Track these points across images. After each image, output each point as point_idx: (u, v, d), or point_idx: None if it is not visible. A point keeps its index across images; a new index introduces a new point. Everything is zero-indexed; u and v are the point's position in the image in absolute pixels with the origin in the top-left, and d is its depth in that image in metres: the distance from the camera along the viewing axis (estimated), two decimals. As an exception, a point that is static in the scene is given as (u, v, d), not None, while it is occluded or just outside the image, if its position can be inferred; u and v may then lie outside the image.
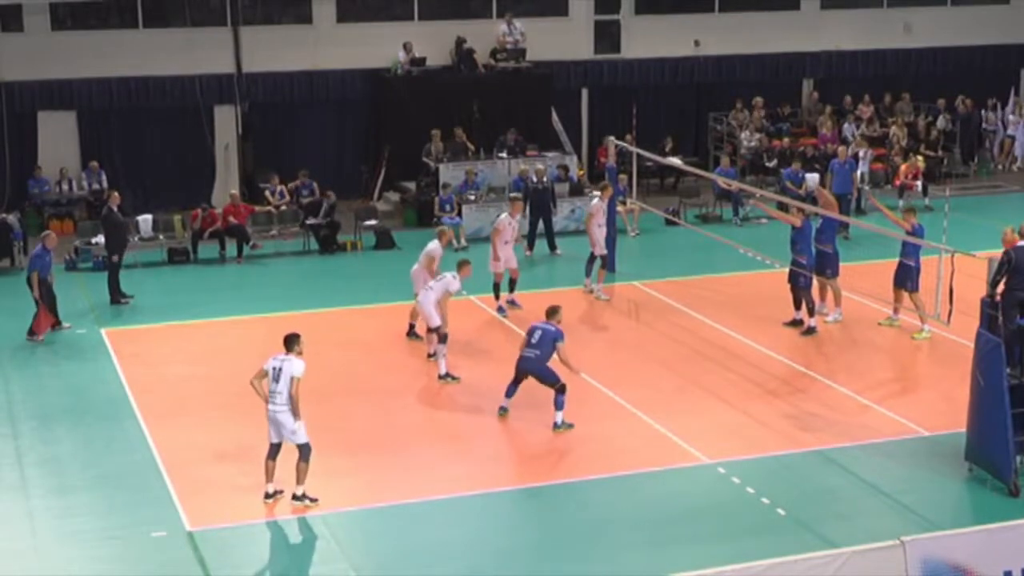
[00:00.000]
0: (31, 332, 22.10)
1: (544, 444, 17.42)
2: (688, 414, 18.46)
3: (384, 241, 28.68)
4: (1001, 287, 16.41)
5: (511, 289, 23.45)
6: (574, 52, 34.67)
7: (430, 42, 32.73)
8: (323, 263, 27.76)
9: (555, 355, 17.90)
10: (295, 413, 15.19)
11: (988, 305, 16.08)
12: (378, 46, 32.41)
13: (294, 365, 15.19)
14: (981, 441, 16.03)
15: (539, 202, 27.99)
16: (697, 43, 35.68)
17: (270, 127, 32.37)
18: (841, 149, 30.97)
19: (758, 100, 35.60)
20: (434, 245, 21.17)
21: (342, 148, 33.08)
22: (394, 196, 32.21)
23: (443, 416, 18.58)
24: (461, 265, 20.41)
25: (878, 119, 36.26)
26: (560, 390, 17.76)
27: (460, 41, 32.82)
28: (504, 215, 23.93)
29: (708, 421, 18.29)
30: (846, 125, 35.62)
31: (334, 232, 28.56)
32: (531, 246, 27.95)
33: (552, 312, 18.18)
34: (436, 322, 19.86)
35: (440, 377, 19.83)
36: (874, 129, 35.75)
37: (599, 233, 24.37)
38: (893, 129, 35.35)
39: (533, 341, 17.88)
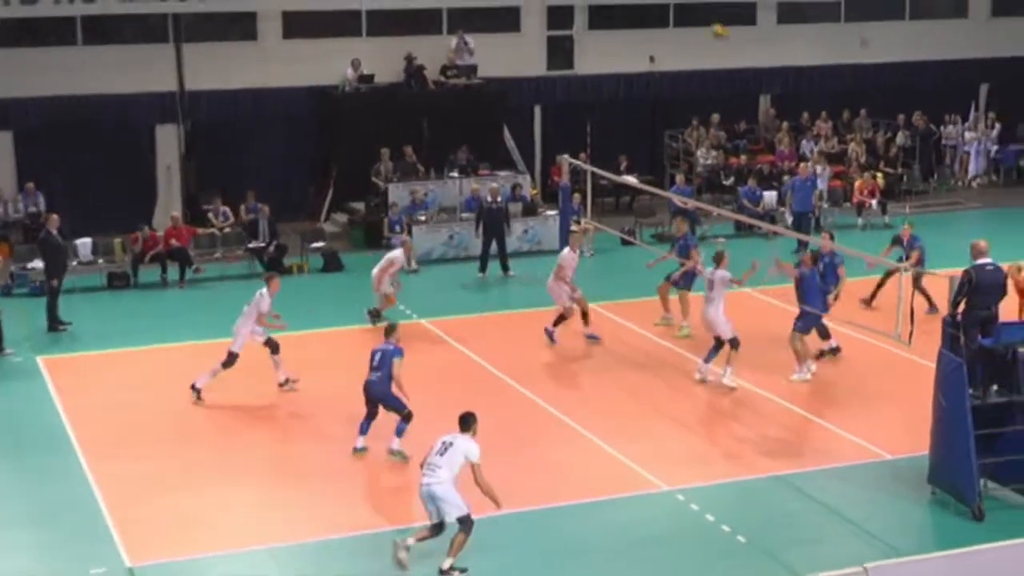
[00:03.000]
0: None
1: (499, 472, 17.26)
2: (646, 440, 18.38)
3: (332, 263, 28.54)
4: (962, 306, 16.44)
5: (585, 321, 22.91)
6: (526, 68, 34.69)
7: (379, 58, 32.66)
8: (269, 287, 27.52)
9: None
10: (494, 500, 14.40)
11: (950, 324, 16.15)
12: (325, 63, 32.29)
13: (471, 448, 14.37)
14: (944, 464, 16.05)
15: (492, 222, 27.89)
16: (652, 59, 35.79)
17: (214, 146, 32.15)
18: (802, 166, 31.01)
19: (714, 117, 35.72)
20: (396, 253, 23.43)
21: (289, 168, 32.88)
22: (342, 217, 32.07)
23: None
24: (269, 279, 20.88)
25: (836, 135, 36.45)
26: (406, 418, 17.45)
27: (410, 58, 32.77)
28: (566, 250, 23.20)
29: (667, 447, 18.23)
30: (804, 142, 35.77)
31: (280, 255, 28.37)
32: (484, 268, 27.85)
33: (390, 330, 17.70)
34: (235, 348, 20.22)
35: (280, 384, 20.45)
36: (832, 146, 35.93)
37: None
38: (851, 146, 35.53)
39: (374, 364, 17.38)
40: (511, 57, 34.27)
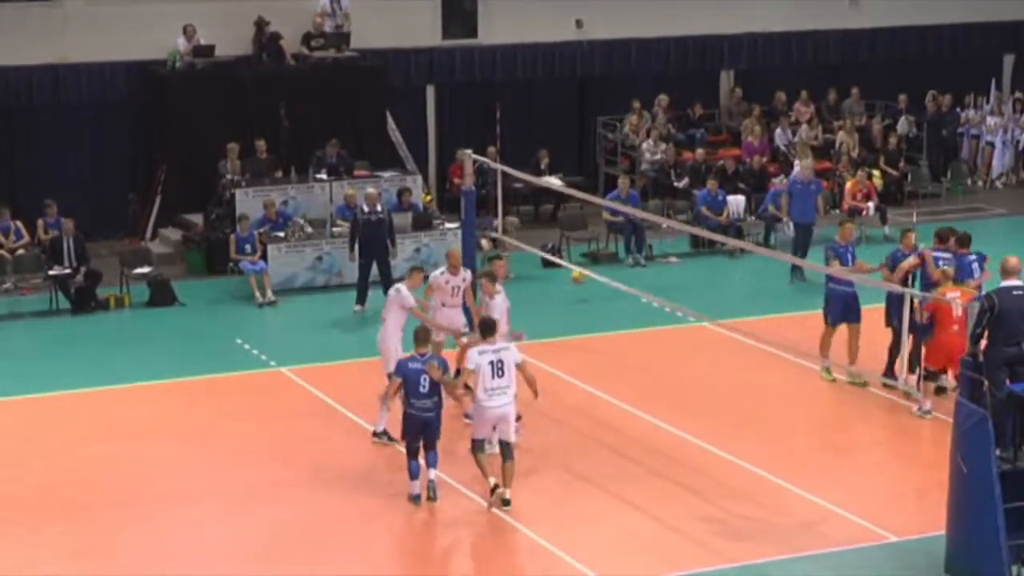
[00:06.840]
0: None
1: (400, 561, 17.32)
2: (577, 521, 18.42)
3: (161, 295, 28.37)
4: (983, 342, 16.65)
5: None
6: (416, 37, 34.77)
7: (220, 24, 32.61)
8: (77, 326, 27.37)
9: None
10: (535, 389, 18.70)
11: (970, 366, 16.28)
12: (149, 31, 32.17)
13: (515, 351, 18.37)
14: (965, 546, 16.23)
15: (372, 239, 27.86)
16: (580, 23, 36.02)
17: (1, 142, 31.96)
18: (803, 165, 30.70)
19: (662, 99, 36.00)
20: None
21: (101, 168, 32.73)
22: (174, 234, 31.94)
23: (257, 528, 18.32)
24: (412, 272, 21.49)
25: (821, 122, 36.86)
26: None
27: (261, 23, 32.75)
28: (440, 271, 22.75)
29: (603, 530, 18.27)
30: (779, 131, 36.14)
31: (92, 284, 28.18)
32: (362, 299, 27.84)
33: (421, 339, 18.83)
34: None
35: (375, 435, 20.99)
36: (816, 136, 36.34)
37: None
38: (840, 135, 35.93)
39: (424, 390, 18.47)
40: (395, 22, 34.33)
